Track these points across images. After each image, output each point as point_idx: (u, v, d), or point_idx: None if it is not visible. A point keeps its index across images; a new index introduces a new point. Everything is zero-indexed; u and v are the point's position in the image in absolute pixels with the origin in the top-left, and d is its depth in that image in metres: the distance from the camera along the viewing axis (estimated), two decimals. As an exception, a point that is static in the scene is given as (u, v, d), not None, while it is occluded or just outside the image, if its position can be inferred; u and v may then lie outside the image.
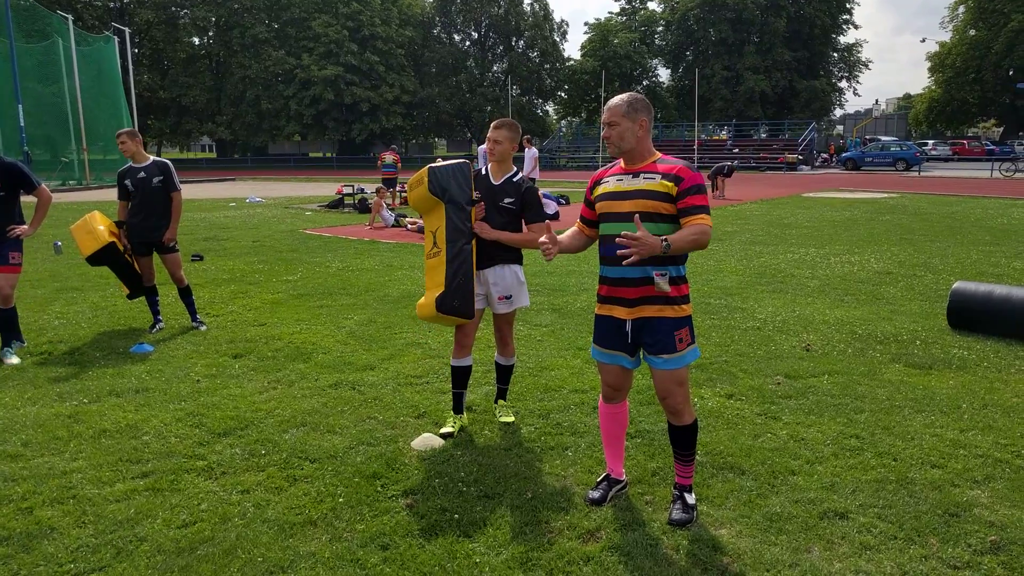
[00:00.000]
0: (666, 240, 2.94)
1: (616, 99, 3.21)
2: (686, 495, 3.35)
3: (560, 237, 3.47)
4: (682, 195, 3.07)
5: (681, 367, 3.19)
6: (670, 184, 3.08)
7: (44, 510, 3.40)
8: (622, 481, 3.56)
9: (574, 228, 3.55)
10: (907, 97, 76.53)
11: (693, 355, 3.22)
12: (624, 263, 3.00)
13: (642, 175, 3.16)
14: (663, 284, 3.05)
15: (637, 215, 3.00)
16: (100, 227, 6.47)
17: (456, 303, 4.03)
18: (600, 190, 3.30)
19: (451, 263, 4.04)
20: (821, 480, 3.64)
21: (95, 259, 6.50)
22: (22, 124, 27.79)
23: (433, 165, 4.15)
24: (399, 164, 21.14)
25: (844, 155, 44.34)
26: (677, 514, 3.27)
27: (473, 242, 4.10)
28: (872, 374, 5.30)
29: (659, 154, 3.24)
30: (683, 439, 3.31)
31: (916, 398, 4.77)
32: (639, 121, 3.15)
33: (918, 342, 6.11)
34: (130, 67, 34.50)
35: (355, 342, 6.24)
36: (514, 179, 4.20)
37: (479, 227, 4.12)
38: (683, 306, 3.17)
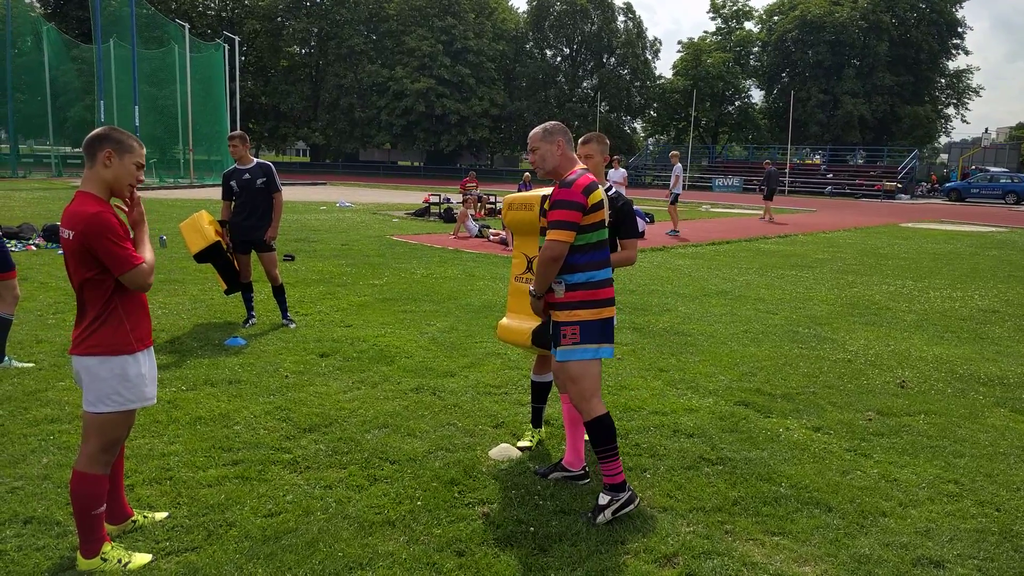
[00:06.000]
0: (531, 290, 3.48)
1: (535, 128, 3.57)
2: (601, 493, 3.43)
3: None
4: (547, 211, 3.37)
5: (566, 360, 3.40)
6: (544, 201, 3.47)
7: (144, 489, 3.60)
8: (576, 472, 3.79)
9: None
10: (1020, 127, 72.23)
11: (582, 353, 3.37)
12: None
13: None
14: (558, 291, 3.41)
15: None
16: (207, 226, 6.82)
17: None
18: None
19: None
20: (915, 524, 3.46)
21: (201, 256, 6.86)
22: (137, 124, 29.61)
23: (548, 193, 3.99)
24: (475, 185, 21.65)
25: (948, 185, 42.21)
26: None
27: None
28: (974, 417, 5.01)
29: (575, 171, 3.41)
30: (589, 432, 3.45)
31: (1023, 446, 4.48)
32: (556, 142, 3.46)
33: (1026, 387, 5.74)
34: (236, 74, 36.26)
35: (437, 348, 6.34)
36: (608, 193, 4.18)
37: None
38: (576, 311, 3.36)
